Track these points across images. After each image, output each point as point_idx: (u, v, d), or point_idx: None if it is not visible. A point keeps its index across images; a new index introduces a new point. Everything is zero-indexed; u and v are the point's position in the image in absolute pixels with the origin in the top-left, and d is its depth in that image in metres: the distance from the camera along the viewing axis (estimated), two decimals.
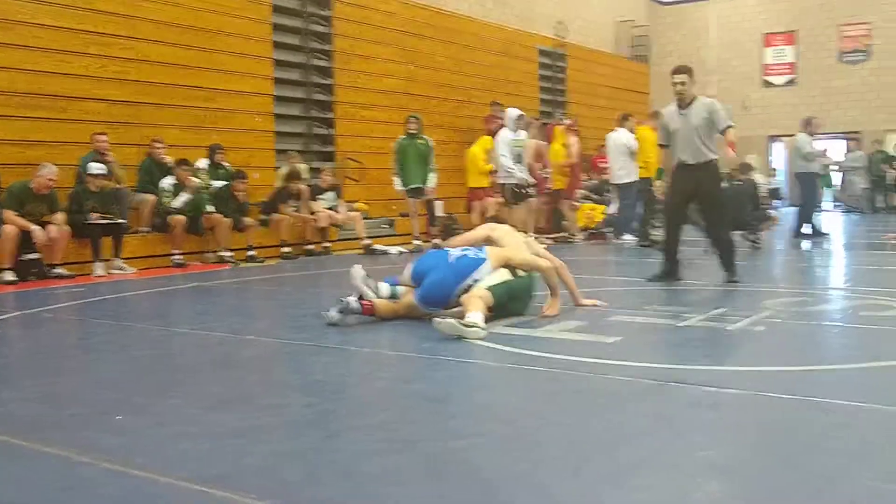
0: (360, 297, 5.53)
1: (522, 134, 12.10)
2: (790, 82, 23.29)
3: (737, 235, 11.44)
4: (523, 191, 12.09)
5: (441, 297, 5.54)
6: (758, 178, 14.10)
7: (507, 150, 11.87)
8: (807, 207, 13.10)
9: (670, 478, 2.58)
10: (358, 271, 5.64)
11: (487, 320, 5.12)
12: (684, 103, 7.53)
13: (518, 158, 11.90)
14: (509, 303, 5.66)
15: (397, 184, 12.28)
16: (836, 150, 22.46)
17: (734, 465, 2.72)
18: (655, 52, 24.89)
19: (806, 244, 12.10)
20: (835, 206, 22.63)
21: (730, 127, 7.42)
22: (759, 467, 2.71)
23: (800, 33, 23.06)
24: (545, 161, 13.60)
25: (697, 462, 2.73)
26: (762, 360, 4.41)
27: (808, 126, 13.19)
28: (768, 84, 23.51)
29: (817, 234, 12.96)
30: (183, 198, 10.19)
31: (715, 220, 7.65)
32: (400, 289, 5.77)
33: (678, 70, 7.66)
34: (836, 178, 22.09)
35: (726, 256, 7.47)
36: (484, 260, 5.66)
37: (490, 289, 5.42)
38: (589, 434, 3.08)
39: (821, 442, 2.93)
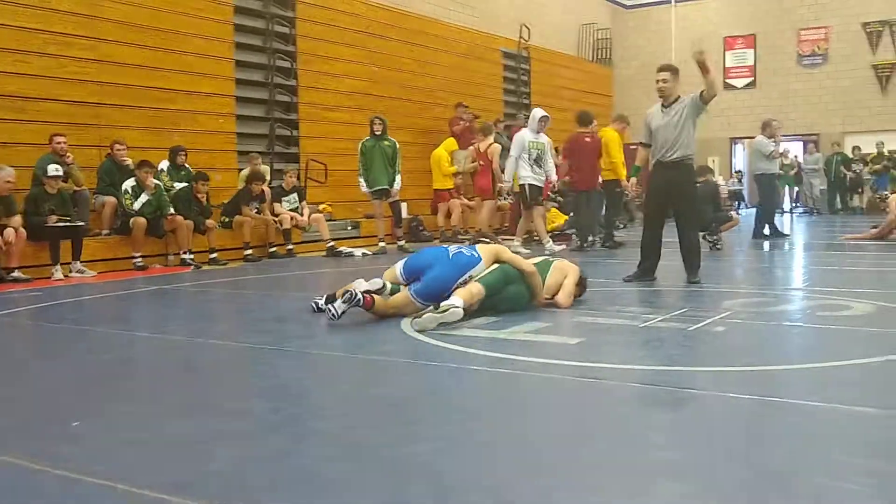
0: (366, 291, 5.61)
1: (543, 136, 11.65)
2: (750, 85, 23.62)
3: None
4: (539, 194, 11.69)
5: (439, 291, 5.68)
6: (718, 180, 14.29)
7: (523, 151, 11.38)
8: (766, 209, 13.30)
9: (626, 478, 2.61)
10: (360, 284, 5.72)
11: (484, 309, 5.47)
12: (667, 102, 7.56)
13: (538, 160, 11.45)
14: (507, 286, 5.87)
15: (363, 185, 12.22)
16: (795, 152, 22.84)
17: (690, 465, 2.75)
18: (618, 55, 25.10)
19: (766, 245, 12.27)
20: (794, 207, 22.99)
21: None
22: (714, 467, 2.75)
23: (759, 37, 23.40)
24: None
25: (654, 462, 2.76)
26: (721, 360, 4.47)
27: (768, 128, 13.38)
28: (729, 86, 23.79)
29: (777, 235, 13.15)
30: (143, 199, 10.06)
31: (687, 220, 7.72)
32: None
33: (661, 68, 7.71)
34: (797, 179, 22.46)
35: (691, 257, 7.57)
36: (479, 259, 5.93)
37: (483, 280, 5.71)
38: (548, 435, 3.10)
39: (776, 441, 2.98)
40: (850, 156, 21.16)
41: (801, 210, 22.55)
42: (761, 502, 2.41)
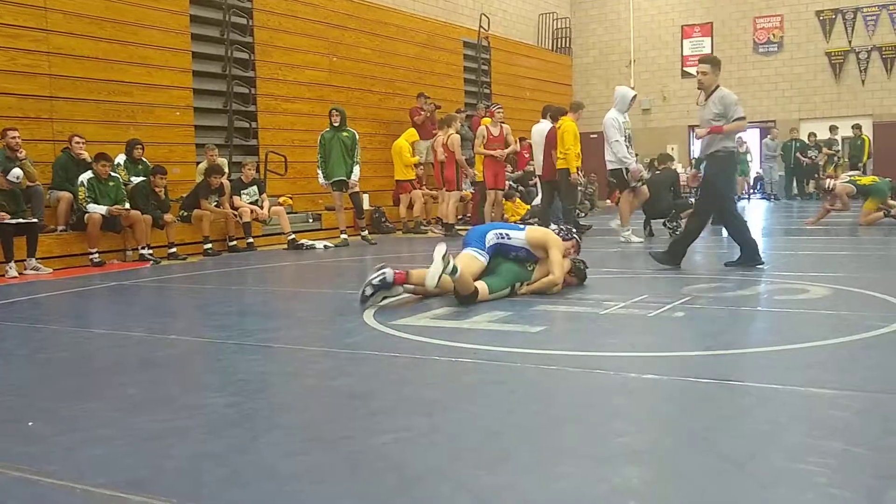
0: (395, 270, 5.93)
1: (627, 116, 11.17)
2: None
3: (658, 223, 11.75)
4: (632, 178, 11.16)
5: (477, 235, 6.28)
6: (678, 167, 14.42)
7: (620, 133, 10.86)
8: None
9: (589, 465, 2.62)
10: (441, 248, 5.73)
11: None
12: (705, 94, 7.64)
13: (629, 141, 11.00)
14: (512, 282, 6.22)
15: (321, 177, 12.14)
16: (752, 139, 23.12)
17: (651, 450, 2.77)
18: (578, 44, 25.21)
19: (724, 231, 12.41)
20: (751, 192, 23.29)
21: (741, 118, 7.49)
22: (675, 451, 2.77)
23: (716, 25, 23.62)
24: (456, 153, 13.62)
25: (616, 448, 2.77)
26: (681, 345, 4.51)
27: None
28: (687, 75, 24.00)
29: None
30: (16, 172, 9.22)
31: (702, 208, 7.82)
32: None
33: (700, 60, 7.83)
34: (755, 166, 22.77)
35: (682, 242, 7.69)
36: (522, 228, 6.43)
37: (490, 282, 6.01)
38: (510, 424, 3.10)
39: (735, 424, 3.01)
40: (808, 142, 21.48)
41: (758, 196, 22.86)
42: (721, 485, 2.43)
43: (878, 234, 10.95)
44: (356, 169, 12.10)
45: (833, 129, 21.22)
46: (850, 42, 22.11)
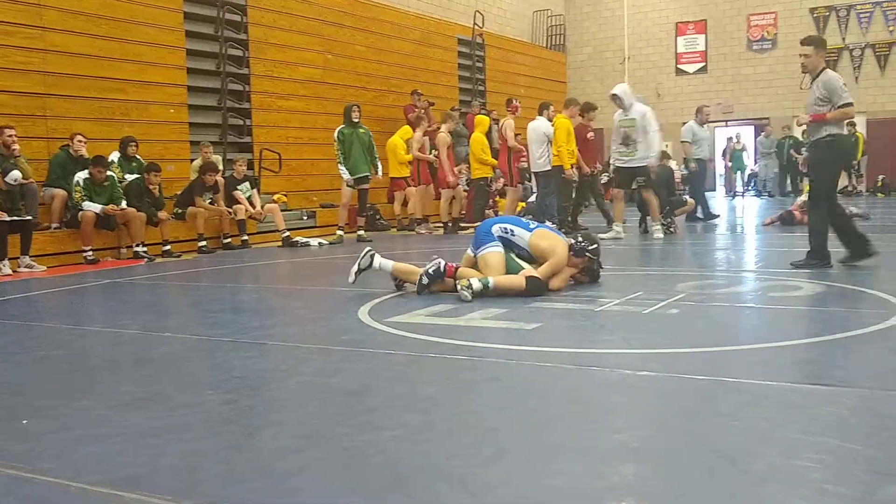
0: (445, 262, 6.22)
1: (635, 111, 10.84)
2: (701, 70, 23.88)
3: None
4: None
5: (485, 230, 6.35)
6: (672, 165, 14.44)
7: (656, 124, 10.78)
8: (697, 192, 13.51)
9: (585, 462, 2.62)
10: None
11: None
12: (812, 77, 7.25)
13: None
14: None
15: (345, 174, 12.07)
16: (747, 136, 23.19)
17: (647, 447, 2.78)
18: (572, 41, 25.21)
19: (718, 228, 12.46)
20: (746, 189, 23.34)
21: (847, 105, 6.94)
22: (670, 448, 2.78)
23: (710, 22, 23.65)
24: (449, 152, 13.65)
25: (612, 445, 2.78)
26: (676, 342, 4.52)
27: (699, 114, 13.75)
28: (681, 72, 24.05)
29: (709, 218, 13.38)
30: (14, 174, 9.14)
31: (814, 198, 7.32)
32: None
33: (803, 41, 7.40)
34: (750, 162, 22.83)
35: (815, 238, 7.17)
36: (528, 226, 6.37)
37: (484, 280, 5.98)
38: (506, 421, 3.11)
39: (730, 421, 3.02)
40: (802, 139, 21.50)
41: (753, 193, 22.91)
42: (716, 482, 2.43)
43: (871, 232, 10.97)
44: (379, 165, 12.21)
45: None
46: (843, 39, 22.17)
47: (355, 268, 6.53)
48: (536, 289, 5.96)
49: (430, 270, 6.20)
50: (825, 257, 7.05)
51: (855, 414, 3.08)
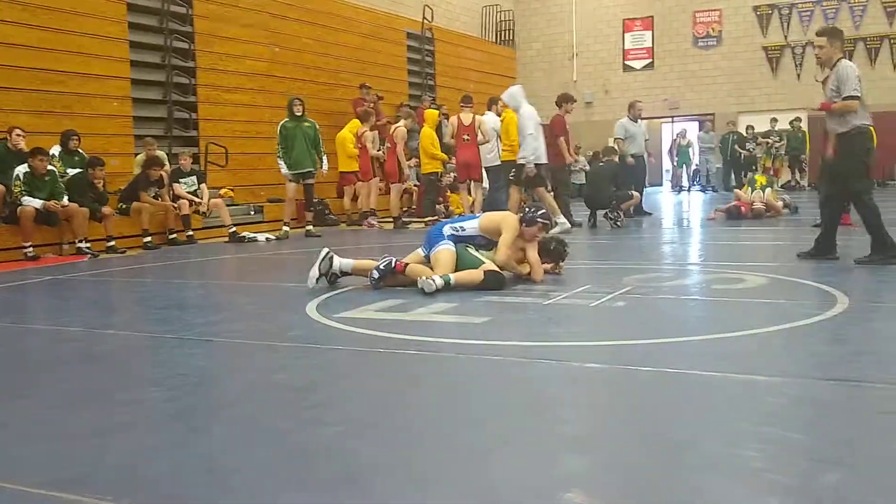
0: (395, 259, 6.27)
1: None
2: (648, 66, 24.16)
3: (599, 215, 11.89)
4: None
5: (436, 232, 6.37)
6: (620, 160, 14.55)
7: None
8: (637, 188, 13.58)
9: (531, 453, 2.63)
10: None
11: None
12: (828, 68, 7.05)
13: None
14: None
15: (283, 168, 11.92)
16: (692, 131, 23.52)
17: (593, 438, 2.80)
18: (521, 36, 25.32)
19: (664, 222, 12.62)
20: (692, 184, 23.68)
21: (853, 97, 6.76)
22: (616, 439, 2.81)
23: (656, 19, 23.93)
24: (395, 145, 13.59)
25: (558, 436, 2.80)
26: (622, 334, 4.57)
27: (632, 110, 13.78)
28: (628, 68, 24.31)
29: (641, 214, 13.40)
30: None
31: (828, 191, 7.20)
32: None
33: (817, 33, 7.32)
34: (696, 157, 23.16)
35: (874, 232, 6.89)
36: (476, 217, 6.49)
37: (445, 277, 5.96)
38: (453, 414, 3.11)
39: (675, 411, 3.06)
40: (745, 135, 21.89)
41: (697, 188, 23.25)
42: (661, 472, 2.46)
43: (801, 225, 11.22)
44: (325, 159, 12.05)
45: (773, 121, 21.67)
46: (786, 37, 22.61)
47: (315, 272, 6.36)
48: (495, 281, 5.98)
49: (381, 266, 6.22)
50: (889, 250, 6.79)
51: (796, 403, 3.14)
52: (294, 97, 12.19)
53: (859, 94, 6.78)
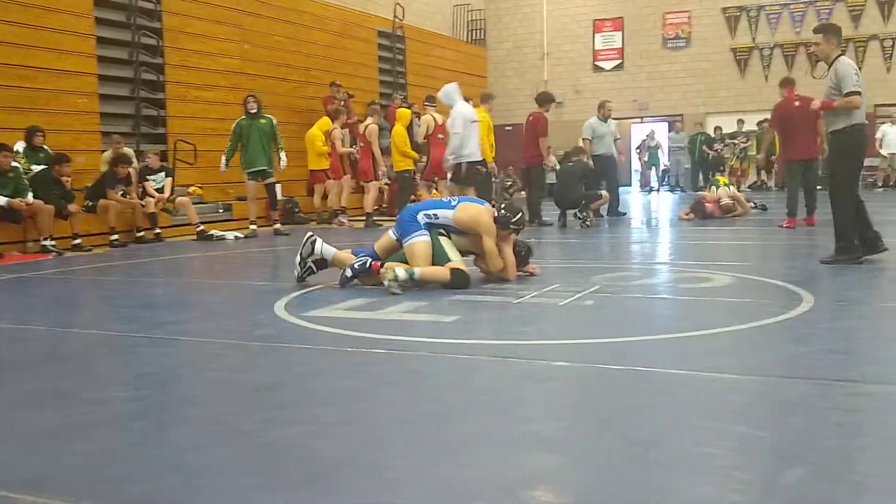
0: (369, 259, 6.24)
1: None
2: (618, 67, 24.29)
3: (569, 214, 11.94)
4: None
5: (409, 217, 6.23)
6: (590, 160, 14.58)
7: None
8: (610, 188, 13.55)
9: (499, 452, 2.63)
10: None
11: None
12: (827, 66, 6.94)
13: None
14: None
15: (223, 165, 11.86)
16: (661, 132, 23.71)
17: (560, 437, 2.81)
18: (492, 36, 25.35)
19: (633, 222, 12.70)
20: (661, 185, 23.87)
21: (853, 93, 6.65)
22: (583, 437, 2.82)
23: (626, 20, 24.07)
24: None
25: (526, 435, 2.80)
26: (590, 332, 4.59)
27: (601, 109, 13.63)
28: (598, 69, 24.42)
29: (615, 215, 13.36)
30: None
31: (834, 190, 6.97)
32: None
33: (814, 30, 7.23)
34: (664, 158, 23.36)
35: (838, 228, 6.88)
36: (451, 206, 6.29)
37: (412, 272, 5.91)
38: (421, 413, 3.10)
39: (642, 410, 3.07)
40: (713, 136, 22.09)
41: (667, 188, 23.44)
42: (628, 469, 2.47)
43: (768, 225, 11.36)
44: (283, 155, 11.94)
45: (740, 122, 21.89)
46: (754, 39, 22.84)
47: (298, 258, 6.37)
48: (461, 281, 5.96)
49: (356, 265, 6.18)
50: (854, 251, 6.79)
51: (760, 401, 3.17)
52: (248, 95, 12.09)
53: (860, 90, 6.71)
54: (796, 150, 10.70)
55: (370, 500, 2.30)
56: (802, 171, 10.75)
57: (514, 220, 6.25)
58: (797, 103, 10.48)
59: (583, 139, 13.51)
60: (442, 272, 6.00)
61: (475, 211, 6.28)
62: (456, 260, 6.12)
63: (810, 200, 10.76)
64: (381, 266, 6.10)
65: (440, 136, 12.27)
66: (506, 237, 6.28)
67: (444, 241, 6.21)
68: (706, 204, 12.54)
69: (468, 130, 10.49)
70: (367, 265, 6.16)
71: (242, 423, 3.02)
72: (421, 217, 6.24)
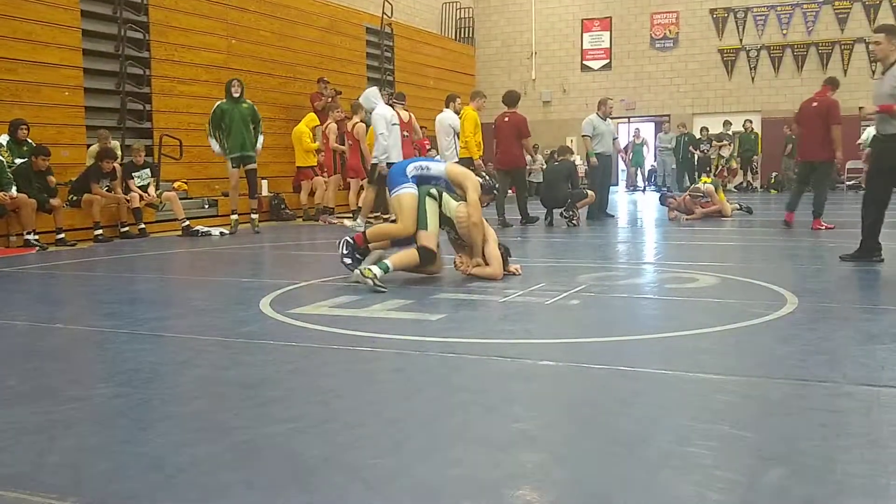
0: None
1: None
2: (606, 67, 24.36)
3: (555, 214, 11.96)
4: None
5: (399, 171, 6.50)
6: (576, 159, 14.62)
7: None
8: (602, 188, 13.43)
9: (484, 450, 2.63)
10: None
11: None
12: (884, 67, 6.82)
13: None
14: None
15: (216, 147, 11.66)
16: (648, 132, 23.80)
17: (545, 435, 2.81)
18: (481, 34, 25.36)
19: (619, 222, 12.73)
20: (647, 185, 23.96)
21: None
22: (568, 436, 2.82)
23: (615, 20, 24.14)
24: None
25: (511, 434, 2.80)
26: (576, 332, 4.60)
27: (602, 107, 13.39)
28: (586, 68, 24.47)
29: (605, 216, 13.30)
30: None
31: (869, 191, 7.01)
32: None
33: (875, 30, 7.07)
34: (650, 158, 23.45)
35: (867, 226, 6.91)
36: (443, 163, 6.82)
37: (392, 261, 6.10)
38: (406, 412, 3.10)
39: (626, 409, 3.08)
40: (698, 136, 22.20)
41: (653, 188, 23.52)
42: (612, 469, 2.48)
43: (754, 227, 11.42)
44: (260, 138, 11.77)
45: (727, 123, 22.00)
46: (741, 40, 22.96)
47: (342, 259, 6.51)
48: (429, 257, 6.20)
49: (344, 251, 6.41)
50: (877, 251, 6.85)
51: (744, 401, 3.19)
52: (233, 78, 11.91)
53: None
54: (799, 150, 10.86)
55: (354, 499, 2.29)
56: (807, 172, 10.49)
57: (496, 187, 6.97)
58: (815, 104, 10.38)
59: (583, 136, 13.22)
60: (411, 256, 6.20)
61: (464, 169, 6.84)
62: (431, 230, 6.27)
63: (794, 197, 10.62)
64: (365, 235, 6.40)
65: (405, 133, 12.32)
66: (484, 201, 6.64)
67: (429, 206, 6.34)
68: (671, 200, 12.65)
69: (391, 132, 11.18)
70: (351, 241, 6.42)
71: (225, 421, 3.00)
72: (411, 169, 6.50)
